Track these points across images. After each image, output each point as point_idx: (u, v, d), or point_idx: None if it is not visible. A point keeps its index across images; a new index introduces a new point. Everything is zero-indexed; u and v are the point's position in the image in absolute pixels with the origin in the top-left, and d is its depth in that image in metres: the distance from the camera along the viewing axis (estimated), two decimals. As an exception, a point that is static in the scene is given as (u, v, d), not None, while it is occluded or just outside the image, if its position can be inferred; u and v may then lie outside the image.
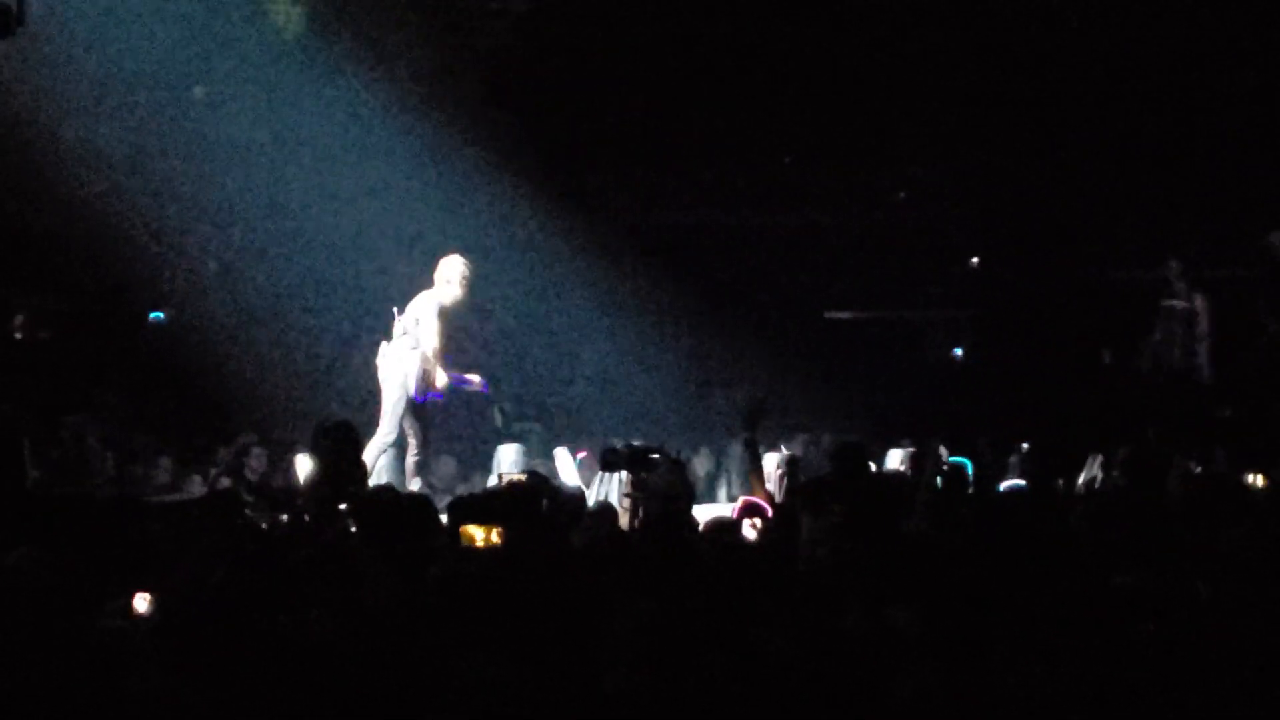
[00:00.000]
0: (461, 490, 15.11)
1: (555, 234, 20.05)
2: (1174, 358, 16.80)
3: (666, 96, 19.96)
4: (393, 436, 13.55)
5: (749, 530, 9.17)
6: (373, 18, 18.81)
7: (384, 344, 13.72)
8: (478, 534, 8.08)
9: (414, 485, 13.42)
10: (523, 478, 10.93)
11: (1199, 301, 16.75)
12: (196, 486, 14.78)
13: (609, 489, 13.49)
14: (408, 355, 13.55)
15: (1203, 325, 16.69)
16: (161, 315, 19.21)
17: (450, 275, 13.68)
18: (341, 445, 11.40)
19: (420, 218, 19.16)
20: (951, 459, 11.15)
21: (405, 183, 19.40)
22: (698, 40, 19.62)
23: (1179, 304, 16.82)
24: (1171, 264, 16.92)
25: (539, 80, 19.68)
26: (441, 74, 19.02)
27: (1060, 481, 11.57)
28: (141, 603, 7.35)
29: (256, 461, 15.59)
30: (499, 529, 8.01)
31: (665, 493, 11.74)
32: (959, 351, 22.35)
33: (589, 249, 20.21)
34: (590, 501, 12.60)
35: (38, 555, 6.36)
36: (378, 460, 13.41)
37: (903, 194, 21.92)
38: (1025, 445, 14.64)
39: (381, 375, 13.64)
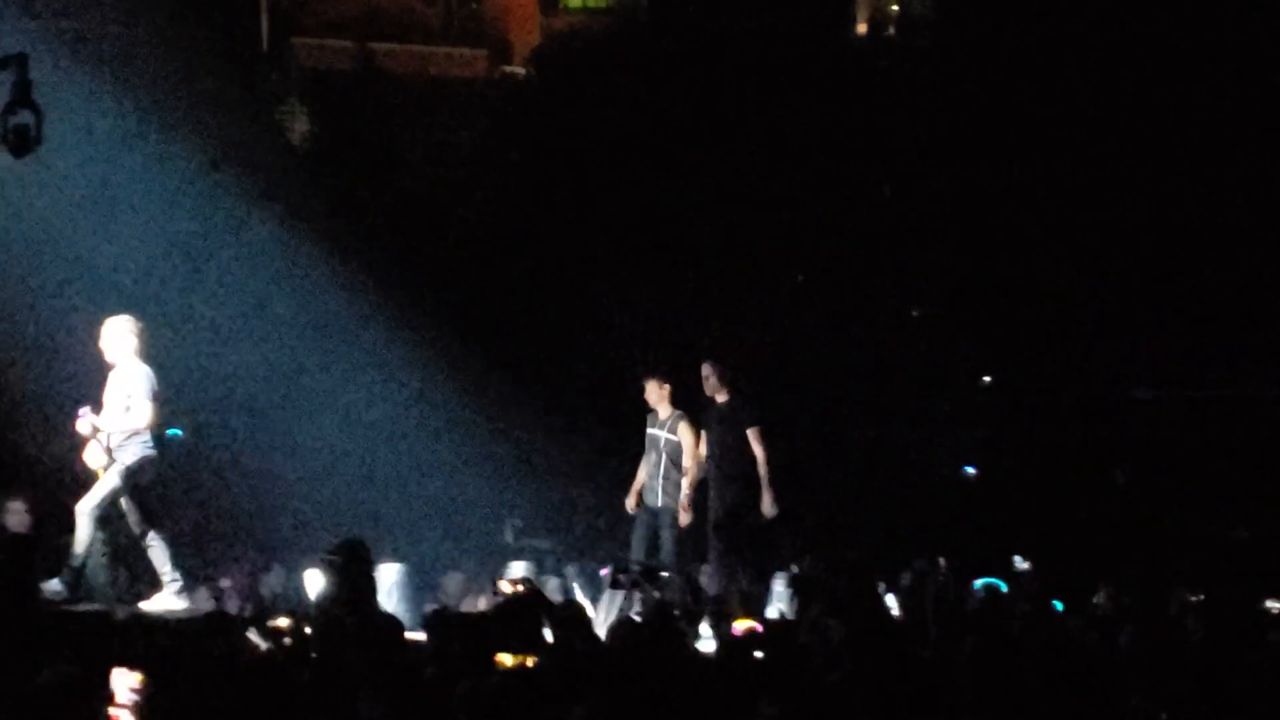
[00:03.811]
0: (468, 605, 15.15)
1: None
2: None
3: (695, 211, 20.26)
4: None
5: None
6: None
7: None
8: (505, 659, 8.15)
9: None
10: (519, 587, 10.97)
11: None
12: (203, 600, 14.76)
13: (623, 606, 13.55)
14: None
15: None
16: (180, 432, 19.29)
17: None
18: (352, 563, 11.44)
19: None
20: (986, 580, 11.18)
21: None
22: (722, 163, 19.97)
23: None
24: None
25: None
26: None
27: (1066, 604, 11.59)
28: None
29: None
30: (533, 658, 8.07)
31: (676, 608, 11.77)
32: (971, 470, 22.36)
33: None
34: (602, 617, 12.66)
35: (69, 674, 6.44)
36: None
37: (915, 311, 22.03)
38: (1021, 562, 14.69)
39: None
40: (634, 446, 15.52)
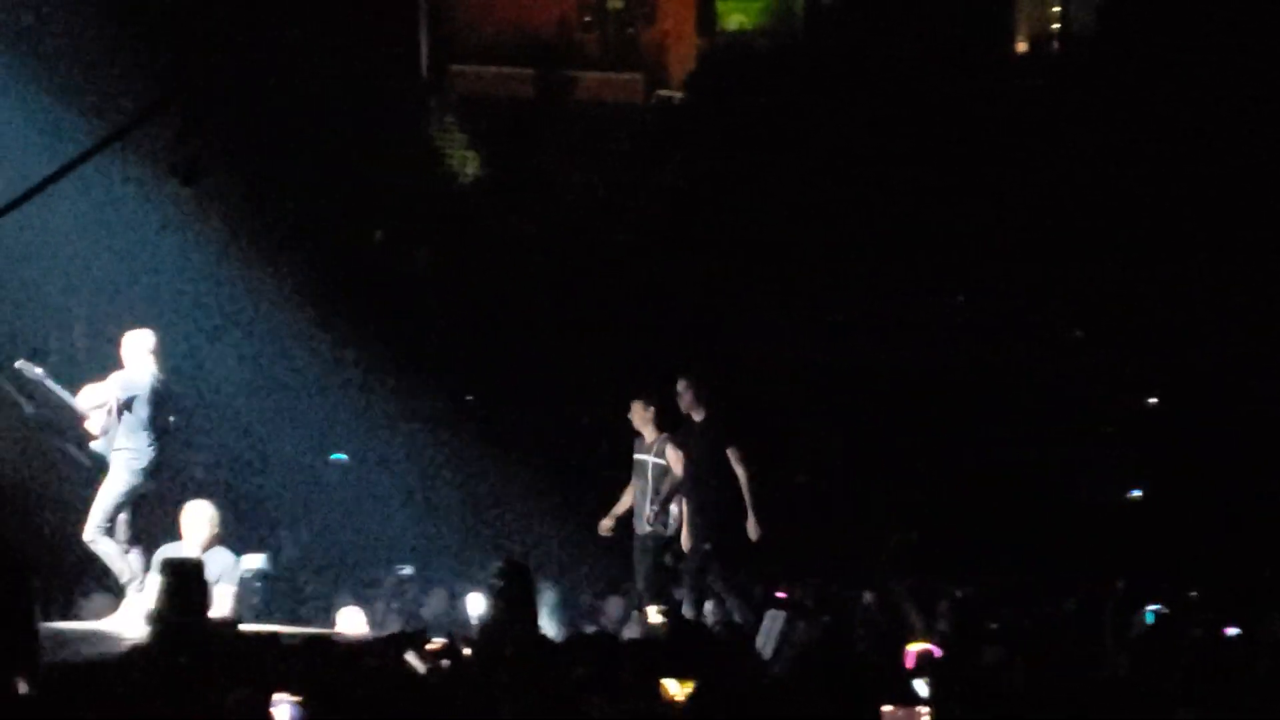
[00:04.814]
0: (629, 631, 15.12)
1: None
2: None
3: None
4: None
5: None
6: None
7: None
8: (673, 687, 8.15)
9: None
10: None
11: None
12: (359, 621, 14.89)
13: (784, 629, 13.47)
14: None
15: None
16: (344, 456, 19.60)
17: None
18: (513, 586, 11.48)
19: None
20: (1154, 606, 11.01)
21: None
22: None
23: None
24: None
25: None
26: None
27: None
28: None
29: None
30: (691, 682, 8.05)
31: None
32: (1138, 492, 22.04)
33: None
34: (761, 641, 12.61)
35: (249, 696, 6.54)
36: None
37: (1079, 332, 21.78)
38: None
39: None
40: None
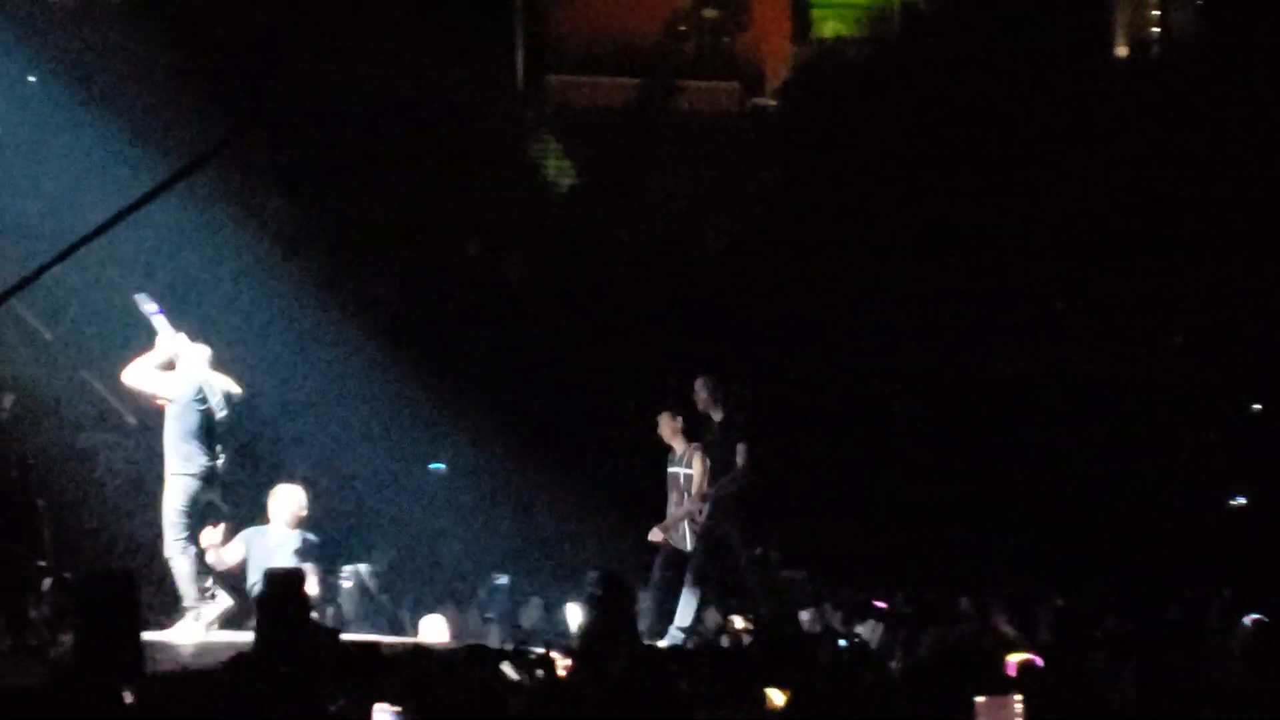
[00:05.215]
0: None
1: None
2: None
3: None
4: None
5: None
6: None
7: None
8: (776, 696, 8.13)
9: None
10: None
11: None
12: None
13: (885, 639, 13.42)
14: None
15: None
16: (442, 466, 19.71)
17: None
18: (612, 597, 11.48)
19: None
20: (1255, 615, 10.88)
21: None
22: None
23: None
24: None
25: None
26: None
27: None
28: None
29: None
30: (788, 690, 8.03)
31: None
32: (1241, 500, 21.80)
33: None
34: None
35: (351, 707, 6.59)
36: None
37: (1179, 338, 21.58)
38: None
39: None
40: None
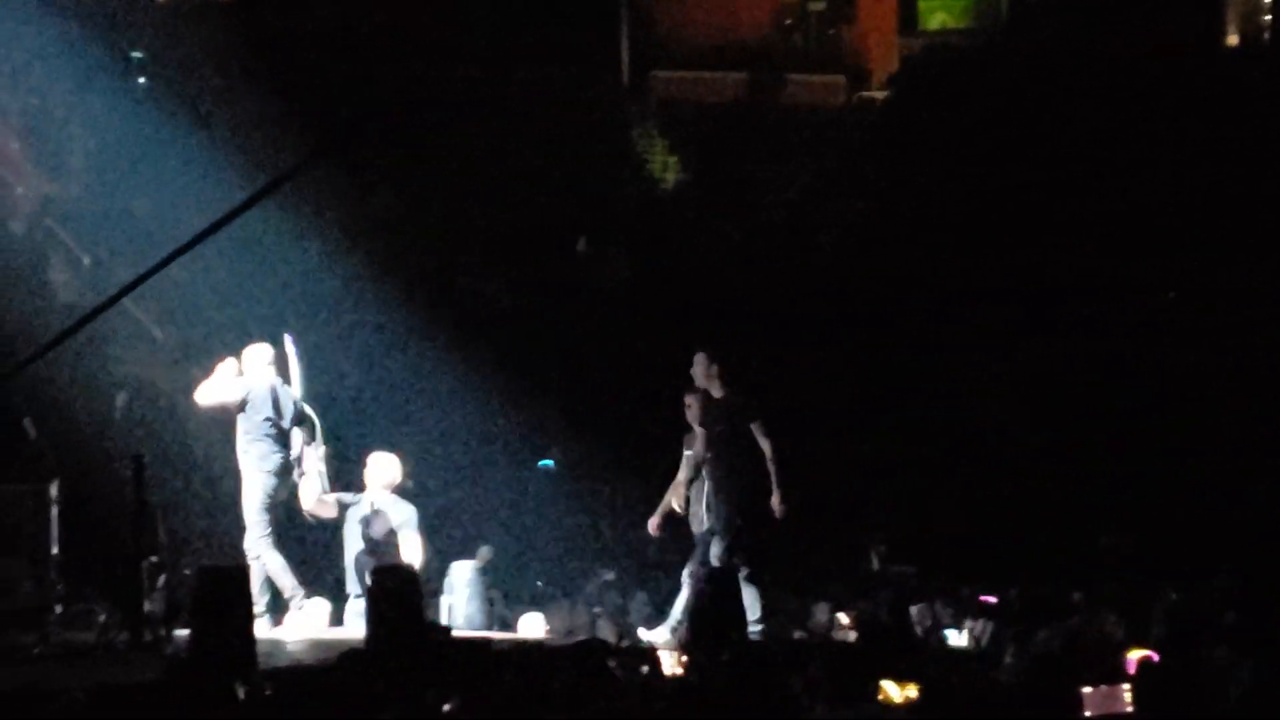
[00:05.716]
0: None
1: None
2: None
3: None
4: None
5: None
6: None
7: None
8: (893, 690, 8.10)
9: None
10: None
11: None
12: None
13: (994, 634, 13.31)
14: None
15: None
16: (551, 463, 19.75)
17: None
18: (719, 593, 11.50)
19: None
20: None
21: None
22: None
23: None
24: None
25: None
26: None
27: None
28: None
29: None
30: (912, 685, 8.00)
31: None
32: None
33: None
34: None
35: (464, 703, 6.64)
36: None
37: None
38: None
39: None
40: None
